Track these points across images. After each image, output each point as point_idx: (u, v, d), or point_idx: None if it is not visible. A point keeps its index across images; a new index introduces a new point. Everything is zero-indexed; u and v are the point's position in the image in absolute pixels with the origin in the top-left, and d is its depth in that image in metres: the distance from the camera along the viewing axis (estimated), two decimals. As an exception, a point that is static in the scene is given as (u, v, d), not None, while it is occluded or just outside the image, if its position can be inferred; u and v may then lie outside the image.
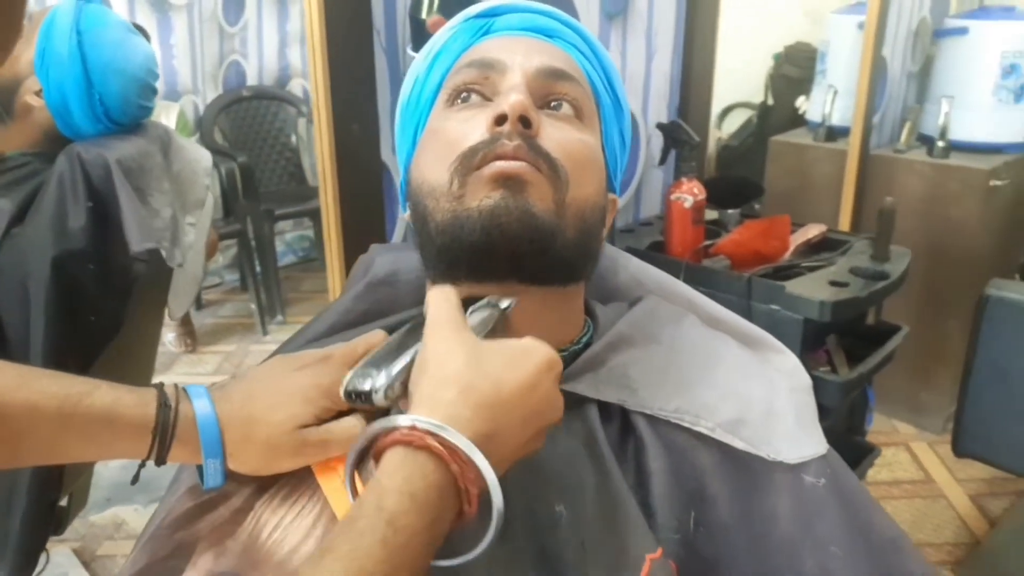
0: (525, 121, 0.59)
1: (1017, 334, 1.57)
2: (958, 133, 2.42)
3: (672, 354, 0.66)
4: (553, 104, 0.64)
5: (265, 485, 0.61)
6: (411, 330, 0.57)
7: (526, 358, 0.52)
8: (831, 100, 2.58)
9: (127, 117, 1.40)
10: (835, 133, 2.60)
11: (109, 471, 2.17)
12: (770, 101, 3.41)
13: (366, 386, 0.52)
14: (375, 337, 0.64)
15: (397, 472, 0.46)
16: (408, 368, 0.53)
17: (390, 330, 0.64)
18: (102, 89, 1.33)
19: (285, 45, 3.61)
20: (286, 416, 0.58)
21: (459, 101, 0.65)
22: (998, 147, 2.44)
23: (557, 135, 0.61)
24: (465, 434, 0.46)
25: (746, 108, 3.63)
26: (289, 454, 0.58)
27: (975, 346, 1.63)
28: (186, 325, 3.12)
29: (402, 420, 0.47)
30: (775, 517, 0.59)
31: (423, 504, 0.45)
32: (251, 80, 3.52)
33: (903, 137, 2.53)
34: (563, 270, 0.62)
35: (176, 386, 0.59)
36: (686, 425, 0.61)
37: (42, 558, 1.32)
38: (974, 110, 2.44)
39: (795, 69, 3.21)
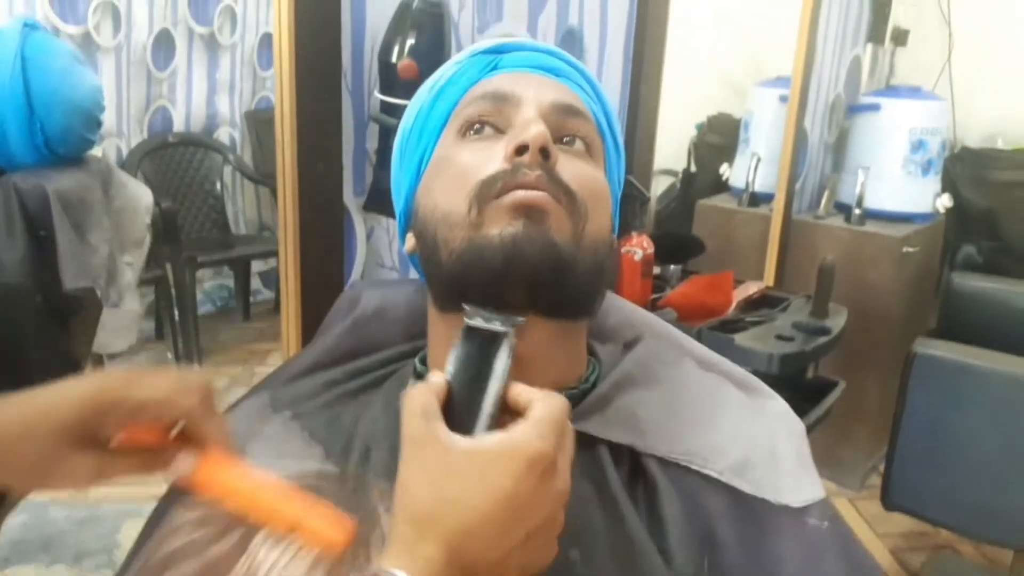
0: (545, 152, 0.59)
1: (943, 389, 1.65)
2: (872, 202, 2.56)
3: (676, 396, 0.66)
4: (566, 140, 0.64)
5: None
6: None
7: (503, 464, 0.47)
8: (754, 167, 2.70)
9: (68, 149, 1.35)
10: (758, 199, 2.72)
11: (8, 528, 2.00)
12: (693, 168, 3.54)
13: None
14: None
15: None
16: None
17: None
18: (44, 118, 1.27)
19: (214, 93, 3.55)
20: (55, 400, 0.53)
21: (471, 132, 0.64)
22: (909, 216, 2.60)
23: (572, 168, 0.62)
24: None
25: (668, 175, 3.76)
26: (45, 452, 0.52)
27: (903, 401, 1.70)
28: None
29: (371, 569, 0.46)
30: (782, 560, 0.59)
31: None
32: (178, 126, 3.44)
33: (822, 204, 2.67)
34: (578, 302, 0.62)
35: None
36: (695, 468, 0.61)
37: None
38: (886, 181, 2.59)
39: (717, 137, 3.34)
